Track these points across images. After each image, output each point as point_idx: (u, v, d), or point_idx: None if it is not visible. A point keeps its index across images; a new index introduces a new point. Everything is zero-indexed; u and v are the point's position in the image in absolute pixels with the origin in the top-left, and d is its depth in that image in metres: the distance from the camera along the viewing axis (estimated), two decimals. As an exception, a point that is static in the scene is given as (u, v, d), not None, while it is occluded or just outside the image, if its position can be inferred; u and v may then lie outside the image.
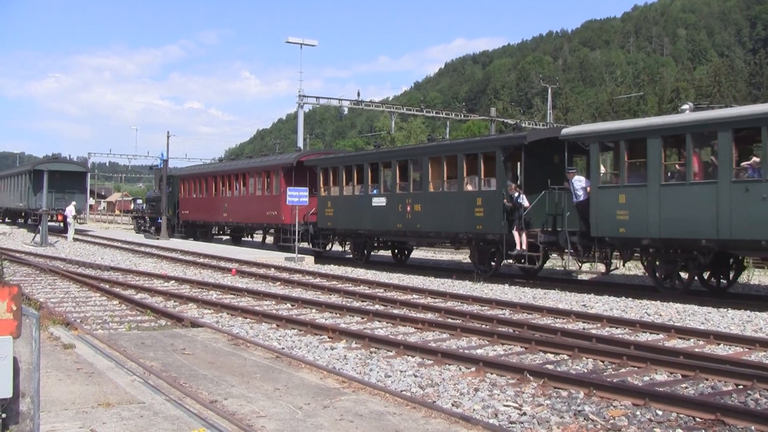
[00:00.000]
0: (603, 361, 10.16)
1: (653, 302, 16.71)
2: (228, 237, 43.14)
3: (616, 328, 13.16)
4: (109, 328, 12.51)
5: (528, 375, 8.86)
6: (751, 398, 8.27)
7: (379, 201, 25.95)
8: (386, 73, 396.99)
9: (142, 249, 33.22)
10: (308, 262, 27.35)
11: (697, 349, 11.03)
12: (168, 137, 50.24)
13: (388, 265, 26.47)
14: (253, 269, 23.89)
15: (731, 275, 18.57)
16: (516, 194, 20.34)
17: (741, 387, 8.66)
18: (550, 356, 10.63)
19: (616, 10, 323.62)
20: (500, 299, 16.50)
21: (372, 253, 28.22)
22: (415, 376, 9.15)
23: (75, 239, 40.45)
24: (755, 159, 15.79)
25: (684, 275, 17.94)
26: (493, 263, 22.25)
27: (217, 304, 15.31)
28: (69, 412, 6.46)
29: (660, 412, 7.51)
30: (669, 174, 17.48)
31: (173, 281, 20.24)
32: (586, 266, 21.20)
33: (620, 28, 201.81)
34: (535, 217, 20.58)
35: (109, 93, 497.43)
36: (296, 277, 21.86)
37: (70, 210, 41.71)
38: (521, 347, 11.16)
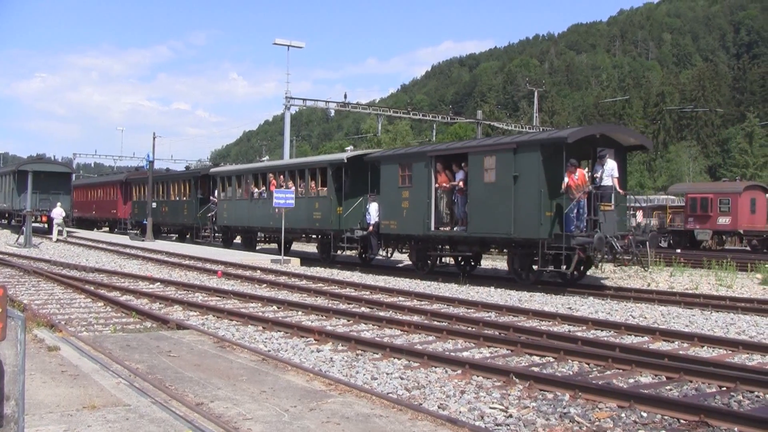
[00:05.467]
0: (588, 364, 10.20)
1: (638, 305, 16.80)
2: (107, 229, 57.87)
3: (602, 330, 13.22)
4: (94, 330, 12.45)
5: (514, 377, 8.88)
6: (734, 399, 8.33)
7: (153, 205, 44.20)
8: (374, 75, 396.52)
9: (127, 251, 33.10)
10: (294, 265, 27.34)
11: (681, 352, 11.09)
12: (154, 138, 50.21)
13: (365, 267, 26.55)
14: (239, 271, 23.85)
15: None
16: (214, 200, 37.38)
17: (724, 389, 8.73)
18: (536, 358, 10.66)
19: (602, 14, 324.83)
20: (486, 302, 16.54)
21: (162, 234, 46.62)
22: (402, 379, 9.16)
23: (58, 240, 40.49)
24: (263, 188, 32.38)
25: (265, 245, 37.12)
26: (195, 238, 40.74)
27: (203, 306, 15.26)
28: (54, 415, 6.43)
29: (645, 414, 7.55)
30: (238, 195, 34.76)
31: (159, 283, 20.17)
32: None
33: (606, 31, 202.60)
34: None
35: (97, 93, 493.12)
36: (282, 279, 21.84)
37: (58, 212, 41.73)
38: (507, 349, 11.18)
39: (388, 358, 10.39)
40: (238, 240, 37.84)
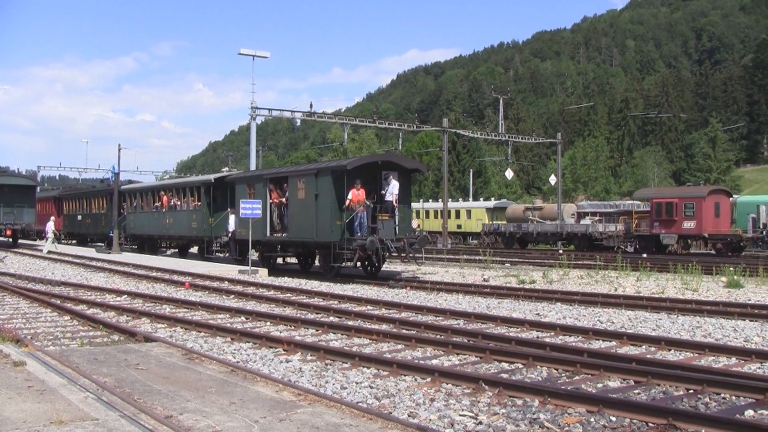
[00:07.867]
0: (557, 369, 10.26)
1: (606, 310, 16.94)
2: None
3: (570, 336, 13.30)
4: (60, 345, 12.29)
5: (483, 384, 8.91)
6: (701, 402, 8.42)
7: (78, 217, 52.55)
8: (340, 85, 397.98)
9: (94, 263, 32.77)
10: (262, 275, 27.23)
11: (649, 356, 11.19)
12: (119, 150, 49.64)
13: (342, 277, 26.54)
14: (207, 282, 23.69)
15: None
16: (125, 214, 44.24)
17: (692, 391, 8.82)
18: (505, 365, 10.70)
19: (566, 22, 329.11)
20: (454, 309, 16.58)
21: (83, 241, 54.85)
22: (371, 388, 9.15)
23: (50, 251, 41.46)
24: (158, 203, 39.81)
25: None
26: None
27: (170, 318, 15.14)
28: (20, 431, 6.35)
29: (614, 418, 7.62)
30: (141, 208, 41.63)
31: (126, 296, 19.98)
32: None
33: (570, 39, 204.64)
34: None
35: (61, 105, 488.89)
36: (250, 290, 21.73)
37: (50, 226, 44.00)
38: (476, 357, 11.21)
39: (357, 367, 10.38)
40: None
